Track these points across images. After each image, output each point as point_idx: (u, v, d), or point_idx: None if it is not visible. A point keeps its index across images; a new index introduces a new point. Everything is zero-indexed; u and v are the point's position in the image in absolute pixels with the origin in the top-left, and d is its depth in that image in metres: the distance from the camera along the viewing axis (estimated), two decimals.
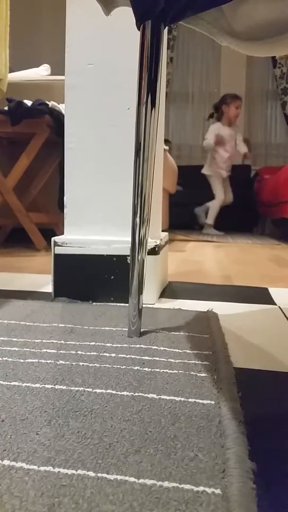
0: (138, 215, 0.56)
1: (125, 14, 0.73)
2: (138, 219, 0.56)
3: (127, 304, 0.75)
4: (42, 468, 0.28)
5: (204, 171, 3.61)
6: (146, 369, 0.45)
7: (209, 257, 1.73)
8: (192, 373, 0.44)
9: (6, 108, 1.75)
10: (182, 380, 0.42)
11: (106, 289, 0.80)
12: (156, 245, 0.81)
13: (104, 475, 0.27)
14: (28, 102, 1.76)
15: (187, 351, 0.51)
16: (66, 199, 0.85)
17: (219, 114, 3.53)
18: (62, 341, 0.54)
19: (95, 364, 0.46)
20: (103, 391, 0.40)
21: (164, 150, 2.28)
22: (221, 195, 3.56)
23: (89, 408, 0.36)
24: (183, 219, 3.84)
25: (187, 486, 0.26)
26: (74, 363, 0.46)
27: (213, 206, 3.56)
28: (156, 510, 0.24)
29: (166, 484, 0.26)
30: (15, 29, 1.88)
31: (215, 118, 3.59)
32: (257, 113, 4.70)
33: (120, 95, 0.82)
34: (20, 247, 1.90)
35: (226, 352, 0.51)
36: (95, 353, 0.50)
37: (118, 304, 0.78)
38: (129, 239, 0.78)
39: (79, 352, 0.50)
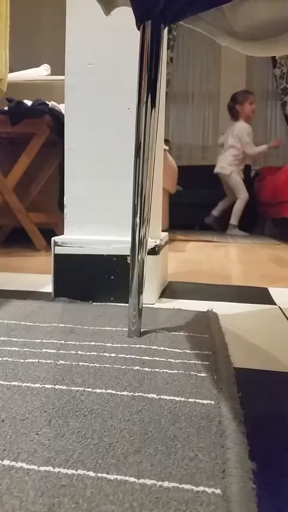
0: (138, 215, 0.56)
1: (125, 14, 0.73)
2: (138, 219, 0.56)
3: (127, 304, 0.75)
4: (42, 468, 0.28)
5: (223, 170, 3.50)
6: (146, 369, 0.45)
7: (209, 257, 1.73)
8: (192, 373, 0.44)
9: (6, 108, 1.75)
10: (182, 380, 0.42)
11: (106, 289, 0.80)
12: (156, 245, 0.81)
13: (104, 475, 0.27)
14: (28, 102, 1.76)
15: (187, 351, 0.51)
16: (66, 199, 0.85)
17: (234, 113, 3.48)
18: (62, 341, 0.54)
19: (95, 364, 0.46)
20: (103, 391, 0.40)
21: (164, 150, 2.28)
22: (245, 192, 3.47)
23: (89, 408, 0.36)
24: (183, 219, 3.84)
25: (187, 486, 0.26)
26: (74, 363, 0.46)
27: (237, 207, 3.46)
28: (156, 510, 0.24)
29: (166, 484, 0.26)
30: (15, 29, 1.88)
31: (231, 119, 3.55)
32: (257, 113, 4.68)
33: (120, 95, 0.82)
34: (20, 247, 1.90)
35: (226, 352, 0.51)
36: (95, 353, 0.50)
37: (118, 304, 0.78)
38: (129, 239, 0.78)
39: (79, 352, 0.50)
